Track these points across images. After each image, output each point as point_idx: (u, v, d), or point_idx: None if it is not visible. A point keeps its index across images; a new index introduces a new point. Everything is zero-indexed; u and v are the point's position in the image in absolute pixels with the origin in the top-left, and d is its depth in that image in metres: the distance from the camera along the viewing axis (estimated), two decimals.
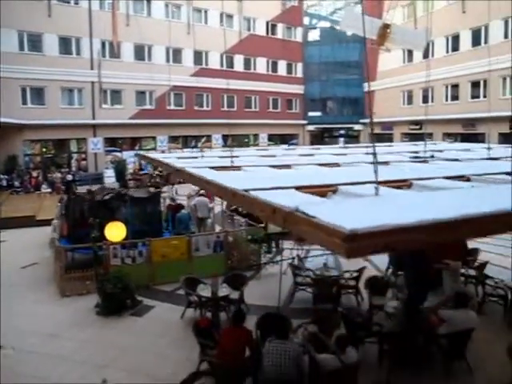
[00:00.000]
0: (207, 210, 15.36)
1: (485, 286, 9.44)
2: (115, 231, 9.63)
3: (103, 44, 31.20)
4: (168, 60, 34.71)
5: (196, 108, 36.37)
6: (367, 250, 2.06)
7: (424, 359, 7.24)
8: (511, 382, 6.32)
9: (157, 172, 30.76)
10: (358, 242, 2.01)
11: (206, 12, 36.22)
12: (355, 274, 9.82)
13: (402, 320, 7.23)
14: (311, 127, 42.92)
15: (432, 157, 8.26)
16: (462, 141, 30.75)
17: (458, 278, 9.16)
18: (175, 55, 35.15)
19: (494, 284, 9.19)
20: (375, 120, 38.29)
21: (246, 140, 40.70)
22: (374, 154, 3.25)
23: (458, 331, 6.86)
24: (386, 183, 3.88)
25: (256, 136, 40.14)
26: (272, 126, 39.88)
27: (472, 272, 10.07)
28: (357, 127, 41.55)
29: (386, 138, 38.30)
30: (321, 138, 43.08)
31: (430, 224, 2.31)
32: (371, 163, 3.86)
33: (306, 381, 5.97)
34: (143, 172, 32.26)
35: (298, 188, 3.70)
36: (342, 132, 42.95)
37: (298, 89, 42.44)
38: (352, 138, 42.46)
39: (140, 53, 33.59)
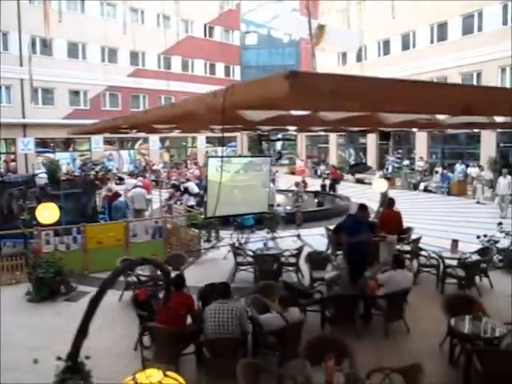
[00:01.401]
0: (144, 201, 15.03)
1: (419, 257, 9.83)
2: (47, 212, 9.09)
3: (33, 40, 29.88)
4: (103, 59, 33.88)
5: (132, 109, 35.62)
6: (311, 90, 2.01)
7: (364, 322, 7.39)
8: (444, 339, 6.56)
9: (93, 173, 29.77)
10: (302, 80, 1.96)
11: (142, 12, 35.72)
12: (295, 252, 9.90)
13: (344, 285, 7.34)
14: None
15: None
16: (394, 139, 32.16)
17: (394, 250, 9.46)
18: (111, 55, 34.35)
19: (428, 255, 9.58)
20: None
21: (184, 143, 40.40)
22: None
23: (396, 291, 7.05)
24: None
25: (194, 139, 39.94)
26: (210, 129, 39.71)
27: (407, 247, 10.43)
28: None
29: (323, 140, 39.34)
30: (259, 141, 43.26)
31: (372, 78, 2.33)
32: None
33: (250, 341, 5.91)
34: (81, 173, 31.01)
35: None
36: (280, 136, 43.27)
37: None
38: (289, 140, 43.15)
39: (74, 51, 32.54)
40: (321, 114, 4.49)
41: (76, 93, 33.01)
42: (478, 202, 20.36)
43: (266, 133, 13.52)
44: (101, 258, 10.62)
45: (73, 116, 32.13)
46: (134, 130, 10.10)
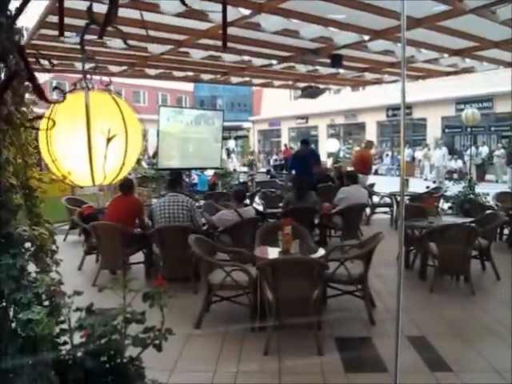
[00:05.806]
0: None
1: (372, 197, 9.90)
2: None
3: None
4: None
5: None
6: None
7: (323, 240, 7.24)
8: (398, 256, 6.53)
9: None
10: None
11: None
12: (250, 194, 9.77)
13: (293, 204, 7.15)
14: None
15: None
16: (345, 130, 32.72)
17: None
18: None
19: (381, 196, 9.68)
20: (263, 117, 39.26)
21: None
22: None
23: (351, 205, 6.93)
24: None
25: (144, 135, 39.25)
26: None
27: None
28: (246, 125, 41.93)
29: (275, 134, 39.53)
30: None
31: None
32: None
33: (203, 233, 5.64)
34: None
35: None
36: (233, 134, 42.76)
37: (188, 86, 42.17)
38: (242, 138, 42.97)
39: None
40: None
41: None
42: (425, 179, 20.92)
43: None
44: (44, 209, 10.06)
45: None
46: None
